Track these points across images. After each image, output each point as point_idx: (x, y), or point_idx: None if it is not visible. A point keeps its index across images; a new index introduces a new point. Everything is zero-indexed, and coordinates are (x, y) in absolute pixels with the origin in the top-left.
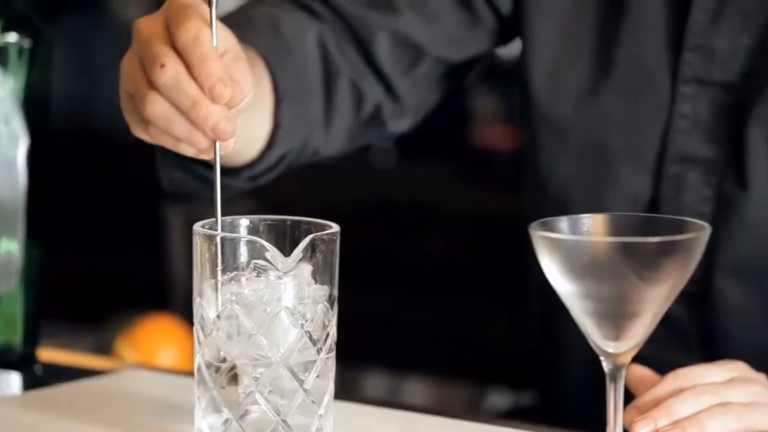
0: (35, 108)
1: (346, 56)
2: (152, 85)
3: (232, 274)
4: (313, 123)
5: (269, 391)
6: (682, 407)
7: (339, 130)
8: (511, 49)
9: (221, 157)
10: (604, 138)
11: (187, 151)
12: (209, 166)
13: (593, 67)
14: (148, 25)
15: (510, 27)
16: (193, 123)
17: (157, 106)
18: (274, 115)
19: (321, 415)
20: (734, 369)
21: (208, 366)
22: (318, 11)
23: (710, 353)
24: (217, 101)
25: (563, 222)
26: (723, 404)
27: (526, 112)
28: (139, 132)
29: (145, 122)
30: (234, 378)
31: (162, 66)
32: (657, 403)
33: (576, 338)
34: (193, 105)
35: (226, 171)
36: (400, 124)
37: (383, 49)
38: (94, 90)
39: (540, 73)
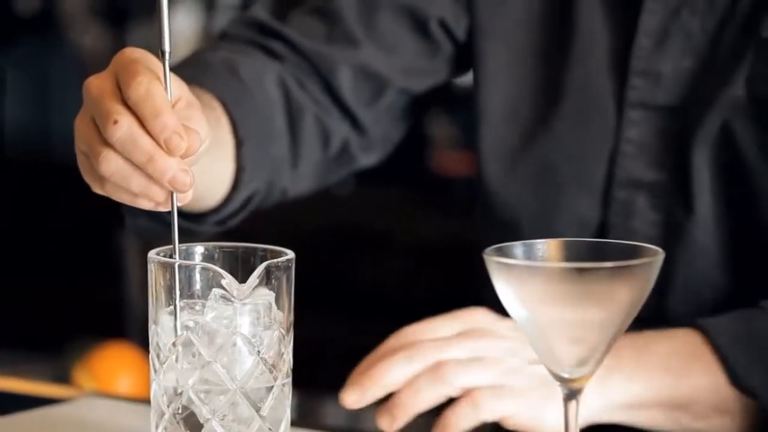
0: None
1: (309, 93)
2: (106, 143)
3: (188, 301)
4: (278, 163)
5: (226, 419)
6: (392, 372)
7: (307, 168)
8: (467, 77)
9: (185, 205)
10: (553, 163)
11: (145, 205)
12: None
13: (542, 94)
14: (98, 84)
15: (466, 54)
16: (150, 177)
17: (112, 164)
18: (236, 158)
19: None
20: (469, 320)
21: (165, 393)
22: (276, 50)
23: None
24: (173, 153)
25: (518, 248)
26: (434, 367)
27: (478, 138)
28: (96, 189)
29: (102, 180)
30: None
31: (115, 122)
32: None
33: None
34: (149, 160)
35: (192, 217)
36: (368, 158)
37: (345, 83)
38: (48, 117)
39: (491, 100)
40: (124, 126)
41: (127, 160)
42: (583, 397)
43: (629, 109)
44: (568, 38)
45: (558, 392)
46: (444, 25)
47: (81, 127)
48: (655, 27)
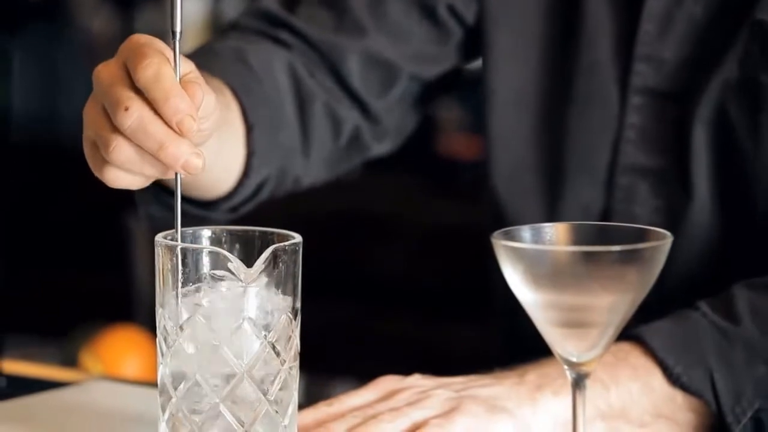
0: None
1: (319, 81)
2: (117, 131)
3: (195, 285)
4: (289, 151)
5: (232, 403)
6: None
7: (319, 157)
8: (476, 61)
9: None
10: (559, 150)
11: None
12: (186, 198)
13: (550, 80)
14: (107, 70)
15: (476, 40)
16: (163, 164)
17: (123, 152)
18: (247, 143)
19: (285, 426)
20: (381, 386)
21: (172, 377)
22: (285, 40)
23: None
24: (186, 136)
25: (525, 231)
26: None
27: (487, 123)
28: (102, 176)
29: (108, 167)
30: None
31: (126, 109)
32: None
33: (540, 348)
34: (161, 147)
35: (205, 204)
36: (381, 147)
37: (355, 72)
38: (56, 102)
39: (500, 85)
40: (134, 113)
41: (139, 147)
42: (521, 418)
43: (633, 95)
44: (575, 25)
45: (502, 410)
46: (453, 11)
47: (91, 115)
48: (659, 12)
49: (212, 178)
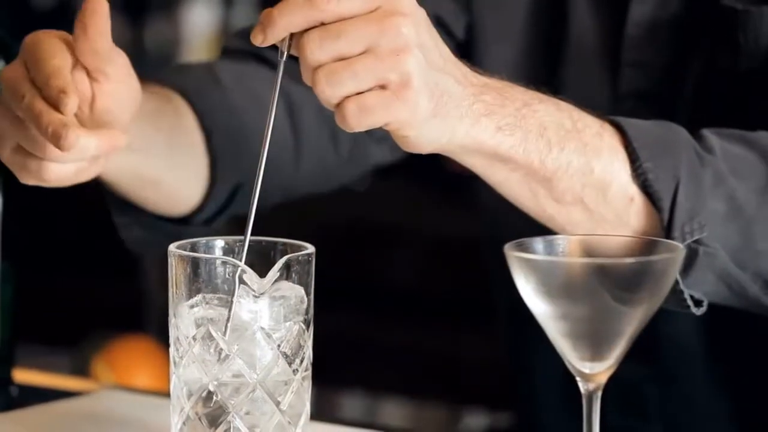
0: None
1: (308, 88)
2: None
3: (208, 295)
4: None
5: (245, 413)
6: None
7: (312, 164)
8: None
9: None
10: None
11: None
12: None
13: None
14: (10, 71)
15: (467, 54)
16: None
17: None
18: (208, 150)
19: None
20: None
21: (184, 387)
22: (269, 57)
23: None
24: (62, 111)
25: (538, 243)
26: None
27: None
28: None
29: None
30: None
31: (22, 97)
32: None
33: (550, 359)
34: (37, 118)
35: (178, 220)
36: (381, 151)
37: None
38: None
39: None
40: (26, 98)
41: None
42: (458, 120)
43: (622, 100)
44: (563, 34)
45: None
46: (441, 23)
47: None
48: (643, 18)
49: (177, 188)
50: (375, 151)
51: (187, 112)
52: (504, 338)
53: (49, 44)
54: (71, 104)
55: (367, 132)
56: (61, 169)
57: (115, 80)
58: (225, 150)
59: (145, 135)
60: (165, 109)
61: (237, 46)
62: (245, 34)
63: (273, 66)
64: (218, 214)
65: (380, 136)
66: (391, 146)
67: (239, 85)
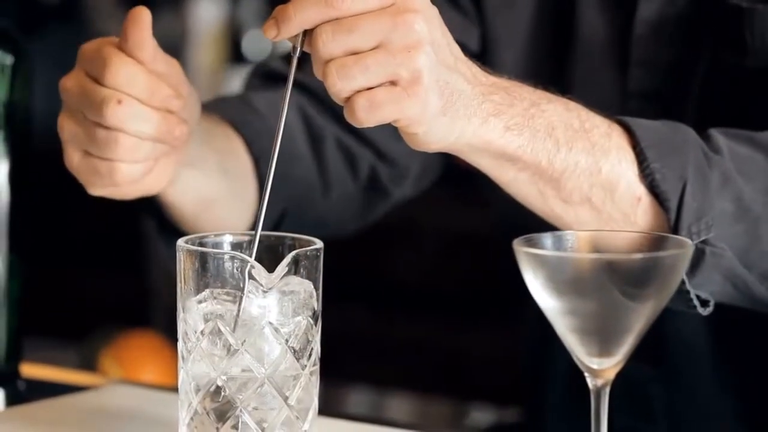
0: (16, 125)
1: (329, 118)
2: (110, 127)
3: (216, 290)
4: (307, 186)
5: (253, 407)
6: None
7: (340, 196)
8: None
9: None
10: None
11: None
12: None
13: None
14: (72, 81)
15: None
16: (160, 136)
17: (126, 140)
18: (257, 176)
19: (305, 431)
20: None
21: (192, 381)
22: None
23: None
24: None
25: (547, 238)
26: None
27: None
28: (114, 178)
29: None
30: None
31: (119, 102)
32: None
33: (558, 355)
34: (156, 128)
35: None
36: (401, 190)
37: None
38: None
39: None
40: (129, 103)
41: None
42: (466, 119)
43: (630, 100)
44: (571, 34)
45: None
46: (459, 44)
47: (70, 127)
48: (651, 17)
49: (224, 209)
50: (392, 189)
51: (235, 138)
52: (514, 333)
53: (114, 52)
54: (179, 104)
55: (382, 167)
56: (131, 169)
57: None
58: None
59: (202, 152)
60: (216, 131)
61: (254, 84)
62: (260, 71)
63: (301, 87)
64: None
65: (397, 175)
66: (413, 181)
67: (273, 113)
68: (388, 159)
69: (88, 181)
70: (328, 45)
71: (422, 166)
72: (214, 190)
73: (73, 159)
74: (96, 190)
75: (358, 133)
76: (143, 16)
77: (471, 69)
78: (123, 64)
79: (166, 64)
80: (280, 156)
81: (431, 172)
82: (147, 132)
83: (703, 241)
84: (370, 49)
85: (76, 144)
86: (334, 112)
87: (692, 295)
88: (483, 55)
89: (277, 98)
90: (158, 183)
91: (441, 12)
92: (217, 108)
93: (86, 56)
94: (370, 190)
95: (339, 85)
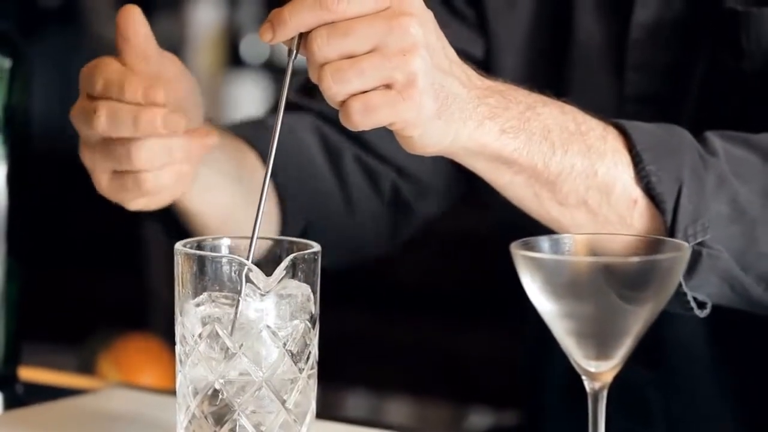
0: (15, 128)
1: (346, 137)
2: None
3: (214, 293)
4: (328, 203)
5: (251, 411)
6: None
7: (365, 214)
8: None
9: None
10: None
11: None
12: None
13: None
14: (78, 108)
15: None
16: (143, 131)
17: (147, 147)
18: (277, 191)
19: None
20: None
21: (190, 385)
22: (306, 107)
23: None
24: (154, 101)
25: (544, 241)
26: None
27: None
28: (145, 186)
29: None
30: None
31: (95, 111)
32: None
33: (556, 358)
34: (135, 119)
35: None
36: (425, 205)
37: (377, 137)
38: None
39: None
40: (102, 107)
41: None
42: (462, 122)
43: (626, 103)
44: (567, 38)
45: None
46: (465, 54)
47: (90, 155)
48: (647, 21)
49: (241, 222)
50: (417, 204)
51: (248, 151)
52: (512, 336)
53: (105, 63)
54: (161, 93)
55: (403, 183)
56: (158, 177)
57: (175, 79)
58: (290, 189)
59: (215, 156)
60: (229, 143)
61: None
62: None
63: (316, 113)
64: None
65: (420, 192)
66: (437, 198)
67: (288, 134)
68: (409, 175)
69: (120, 198)
70: (323, 48)
71: (445, 182)
72: (229, 193)
73: (102, 182)
74: (130, 205)
75: (376, 152)
76: (132, 10)
77: (466, 72)
78: (100, 70)
79: (159, 59)
80: (299, 172)
81: (456, 189)
82: (139, 131)
83: (700, 243)
84: (366, 53)
85: (99, 168)
86: (351, 132)
87: (689, 298)
88: (484, 61)
89: (291, 119)
90: (183, 184)
91: (445, 23)
92: (230, 128)
93: (83, 76)
94: (394, 207)
95: (334, 88)
